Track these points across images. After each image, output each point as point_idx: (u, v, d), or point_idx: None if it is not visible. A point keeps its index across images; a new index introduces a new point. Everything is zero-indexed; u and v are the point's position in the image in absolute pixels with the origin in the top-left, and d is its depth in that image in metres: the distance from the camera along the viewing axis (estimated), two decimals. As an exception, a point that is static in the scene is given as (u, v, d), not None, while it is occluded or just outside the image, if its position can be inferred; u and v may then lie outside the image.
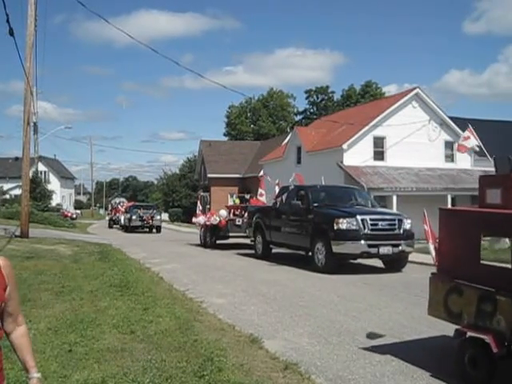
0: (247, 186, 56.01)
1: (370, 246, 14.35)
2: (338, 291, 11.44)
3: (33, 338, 6.43)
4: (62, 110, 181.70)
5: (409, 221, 15.22)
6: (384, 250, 14.43)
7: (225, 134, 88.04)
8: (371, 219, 14.73)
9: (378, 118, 33.80)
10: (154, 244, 27.27)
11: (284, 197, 17.79)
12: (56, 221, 41.12)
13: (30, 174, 26.97)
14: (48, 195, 54.12)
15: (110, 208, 60.74)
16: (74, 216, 66.68)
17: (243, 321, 8.28)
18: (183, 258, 19.15)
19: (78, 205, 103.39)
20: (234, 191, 56.87)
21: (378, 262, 15.66)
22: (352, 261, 15.58)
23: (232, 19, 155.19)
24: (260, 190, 25.10)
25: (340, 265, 14.68)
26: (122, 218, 44.63)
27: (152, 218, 41.06)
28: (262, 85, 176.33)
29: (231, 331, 7.39)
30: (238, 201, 28.71)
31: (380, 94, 76.36)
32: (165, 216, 60.68)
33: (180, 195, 68.60)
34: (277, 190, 21.48)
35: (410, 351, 6.64)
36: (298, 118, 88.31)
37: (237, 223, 22.86)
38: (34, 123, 36.21)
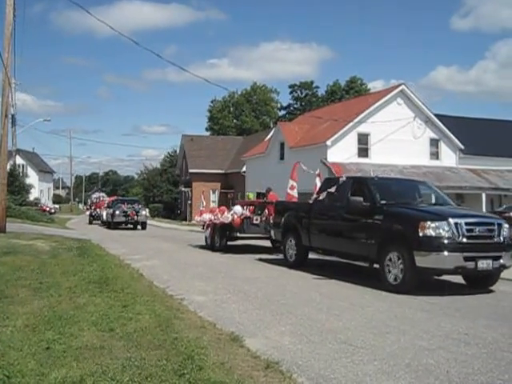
0: (229, 181, 56.06)
1: (466, 258, 10.84)
2: (320, 289, 11.40)
3: (10, 335, 6.37)
4: (41, 102, 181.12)
5: (506, 225, 11.86)
6: (483, 265, 10.96)
7: (207, 129, 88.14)
8: (466, 223, 11.17)
9: (363, 114, 33.96)
10: (135, 240, 27.09)
11: (332, 191, 13.98)
12: (34, 215, 40.72)
13: (8, 168, 26.61)
14: (26, 189, 53.68)
15: (89, 203, 60.14)
16: (53, 211, 66.31)
17: (224, 319, 8.20)
18: (162, 253, 19.06)
19: (57, 199, 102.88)
20: (216, 187, 56.89)
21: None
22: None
23: (217, 11, 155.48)
24: (291, 182, 20.24)
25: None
26: (104, 214, 42.45)
27: (137, 213, 38.61)
28: (246, 78, 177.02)
29: (212, 329, 7.30)
30: (252, 195, 24.64)
31: (365, 90, 76.76)
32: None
33: (161, 190, 68.45)
34: (317, 182, 18.28)
35: (392, 350, 6.61)
36: (282, 113, 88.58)
37: (254, 222, 19.21)
38: (12, 115, 35.86)
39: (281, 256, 16.75)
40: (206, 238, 21.99)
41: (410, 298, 10.27)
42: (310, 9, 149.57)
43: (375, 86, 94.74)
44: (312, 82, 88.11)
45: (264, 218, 18.86)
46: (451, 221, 10.97)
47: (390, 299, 10.30)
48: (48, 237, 22.42)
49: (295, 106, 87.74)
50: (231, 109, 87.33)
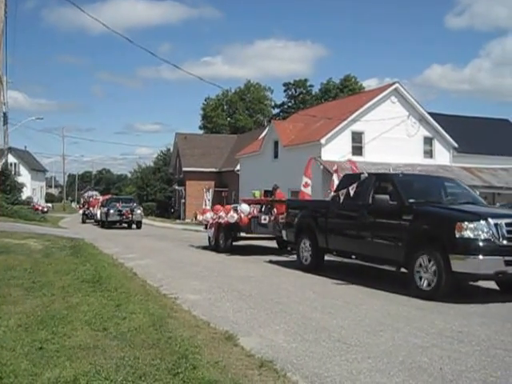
0: (223, 180, 56.05)
1: (507, 262, 9.77)
2: (314, 288, 11.42)
3: (2, 335, 6.37)
4: (33, 100, 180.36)
5: None
6: None
7: (201, 127, 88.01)
8: (507, 224, 10.04)
9: (357, 112, 34.00)
10: (128, 239, 27.05)
11: (351, 189, 12.79)
12: (26, 214, 40.65)
13: (0, 166, 26.54)
14: (18, 188, 53.66)
15: (81, 201, 59.84)
16: (45, 209, 66.04)
17: (218, 317, 8.21)
18: (156, 252, 19.04)
19: (50, 198, 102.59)
20: (210, 185, 56.71)
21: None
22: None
23: (211, 8, 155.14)
24: (305, 179, 19.13)
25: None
26: (99, 213, 41.48)
27: (132, 212, 37.58)
28: (241, 76, 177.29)
29: (206, 328, 7.30)
30: (258, 194, 22.98)
31: (359, 88, 76.79)
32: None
33: (154, 189, 68.33)
34: (335, 179, 17.57)
35: (386, 348, 6.62)
36: (276, 111, 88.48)
37: (262, 221, 18.17)
38: (4, 113, 35.64)
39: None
40: (209, 238, 20.91)
41: (404, 297, 10.29)
42: (306, 6, 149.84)
43: (370, 84, 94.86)
44: (306, 80, 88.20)
45: (272, 218, 18.18)
46: (491, 221, 9.97)
47: (383, 297, 10.32)
48: (40, 236, 22.40)
49: (289, 104, 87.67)
50: (225, 107, 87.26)
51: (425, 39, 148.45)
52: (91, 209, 46.42)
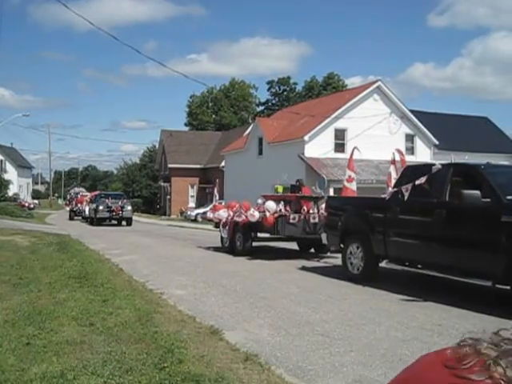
0: (208, 176, 55.99)
1: None
2: (298, 283, 11.53)
3: (-11, 330, 6.38)
4: (19, 96, 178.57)
5: None
6: None
7: (186, 124, 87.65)
8: None
9: (340, 110, 34.15)
10: (114, 235, 26.99)
11: (421, 183, 10.27)
12: (13, 211, 40.40)
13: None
14: (4, 185, 53.24)
15: (67, 198, 59.43)
16: (32, 206, 65.52)
17: (204, 312, 8.29)
18: (142, 248, 19.04)
19: (36, 194, 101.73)
20: (195, 182, 56.84)
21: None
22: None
23: (197, 6, 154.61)
24: (348, 173, 16.53)
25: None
26: (87, 209, 39.77)
27: (122, 208, 35.96)
28: (226, 74, 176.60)
29: (192, 323, 7.38)
30: (281, 189, 20.42)
31: (342, 86, 76.93)
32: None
33: (140, 185, 68.21)
34: (392, 171, 15.39)
35: (368, 341, 6.74)
36: (260, 108, 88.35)
37: (291, 221, 15.88)
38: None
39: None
40: (222, 238, 18.56)
41: (385, 291, 10.40)
42: (291, 4, 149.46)
43: (354, 81, 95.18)
44: (289, 78, 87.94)
45: (302, 217, 16.07)
46: None
47: (365, 292, 10.43)
48: (27, 232, 22.35)
49: (273, 101, 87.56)
50: (210, 104, 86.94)
51: (407, 38, 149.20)
52: (79, 205, 45.30)
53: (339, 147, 34.31)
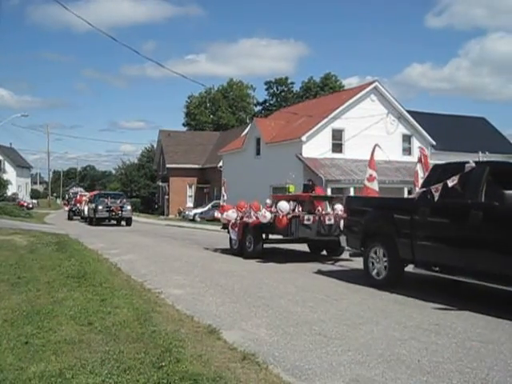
0: (206, 176, 56.06)
1: None
2: (296, 282, 11.54)
3: (-12, 330, 6.40)
4: (19, 97, 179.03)
5: None
6: None
7: (184, 125, 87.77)
8: None
9: (337, 110, 34.22)
10: (113, 235, 26.98)
11: (451, 182, 9.64)
12: (12, 210, 40.49)
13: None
14: (3, 185, 53.30)
15: (66, 197, 59.37)
16: (31, 206, 65.64)
17: (201, 312, 8.30)
18: (140, 248, 19.05)
19: (35, 194, 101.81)
20: (193, 182, 56.86)
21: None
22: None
23: (196, 7, 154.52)
24: (369, 171, 15.69)
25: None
26: (86, 209, 39.53)
27: (121, 208, 35.60)
28: (224, 74, 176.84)
29: (189, 322, 7.40)
30: (293, 189, 19.60)
31: (339, 87, 77.17)
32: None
33: (138, 185, 68.28)
34: (419, 169, 14.62)
35: (366, 341, 6.76)
36: (258, 109, 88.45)
37: (305, 222, 15.08)
38: (-11, 111, 35.56)
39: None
40: (231, 240, 17.69)
41: (383, 291, 10.42)
42: (289, 5, 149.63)
43: (351, 81, 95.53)
44: (287, 79, 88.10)
45: (317, 218, 15.25)
46: None
47: (363, 291, 10.44)
48: (26, 232, 22.38)
49: (271, 102, 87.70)
50: (208, 104, 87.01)
51: (405, 39, 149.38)
52: (78, 205, 45.02)
53: (337, 147, 34.38)
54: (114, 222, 36.56)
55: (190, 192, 57.22)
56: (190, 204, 55.38)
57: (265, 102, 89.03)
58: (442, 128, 38.64)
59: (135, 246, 19.82)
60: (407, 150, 36.62)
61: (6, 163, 78.78)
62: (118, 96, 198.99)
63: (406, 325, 7.62)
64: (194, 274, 12.74)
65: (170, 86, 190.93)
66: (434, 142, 36.77)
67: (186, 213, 48.98)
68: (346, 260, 15.35)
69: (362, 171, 31.61)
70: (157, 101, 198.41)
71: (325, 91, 74.08)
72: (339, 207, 15.50)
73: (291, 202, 15.71)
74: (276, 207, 15.71)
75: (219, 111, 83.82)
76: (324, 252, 17.21)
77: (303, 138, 33.16)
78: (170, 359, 5.44)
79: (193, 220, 45.15)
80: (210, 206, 47.67)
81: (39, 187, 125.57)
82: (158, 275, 12.34)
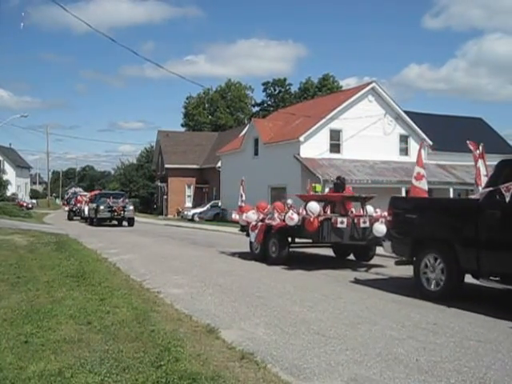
0: (205, 176, 56.10)
1: None
2: (294, 282, 11.56)
3: (-12, 329, 6.41)
4: (18, 97, 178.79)
5: None
6: None
7: (182, 125, 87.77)
8: None
9: (335, 111, 34.25)
10: (112, 234, 26.95)
11: None
12: (11, 210, 40.51)
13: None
14: (3, 185, 53.30)
15: (65, 197, 59.25)
16: (30, 206, 65.62)
17: (200, 311, 8.32)
18: (139, 247, 19.05)
19: (34, 194, 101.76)
20: (192, 182, 56.89)
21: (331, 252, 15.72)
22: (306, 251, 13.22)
23: (195, 8, 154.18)
24: (417, 170, 13.56)
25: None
26: (86, 209, 38.40)
27: (124, 208, 34.45)
28: (223, 75, 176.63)
29: (188, 321, 7.42)
30: (320, 188, 17.80)
31: (337, 87, 77.26)
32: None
33: (137, 185, 68.27)
34: (481, 166, 12.70)
35: (364, 340, 6.78)
36: (256, 109, 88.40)
37: (339, 225, 13.35)
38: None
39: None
40: (251, 244, 16.15)
41: (380, 291, 10.45)
42: (287, 6, 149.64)
43: (349, 82, 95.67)
44: (285, 79, 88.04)
45: (350, 221, 13.65)
46: None
47: (361, 291, 10.48)
48: (25, 231, 22.41)
49: (269, 102, 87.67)
50: (206, 105, 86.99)
51: (403, 39, 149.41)
52: (78, 205, 44.29)
53: (334, 148, 34.42)
54: (115, 223, 35.53)
55: (189, 192, 57.24)
56: (188, 204, 55.39)
57: (263, 102, 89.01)
58: (439, 128, 38.67)
59: (134, 246, 19.82)
60: (404, 151, 36.68)
61: (6, 163, 78.89)
62: (117, 97, 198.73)
63: (404, 324, 7.65)
64: (192, 273, 12.76)
65: (169, 86, 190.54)
66: (430, 142, 36.80)
67: (185, 213, 49.02)
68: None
69: (360, 171, 31.75)
70: (156, 101, 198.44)
71: (323, 92, 74.11)
72: (370, 209, 14.79)
73: (322, 203, 14.64)
74: (305, 208, 14.20)
75: (217, 112, 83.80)
76: (351, 256, 16.03)
77: (301, 139, 33.18)
78: (168, 358, 5.46)
79: (191, 220, 45.20)
80: (208, 206, 47.72)
81: (38, 187, 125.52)
82: (156, 275, 12.36)
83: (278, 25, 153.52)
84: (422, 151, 14.11)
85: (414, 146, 36.56)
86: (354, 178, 30.63)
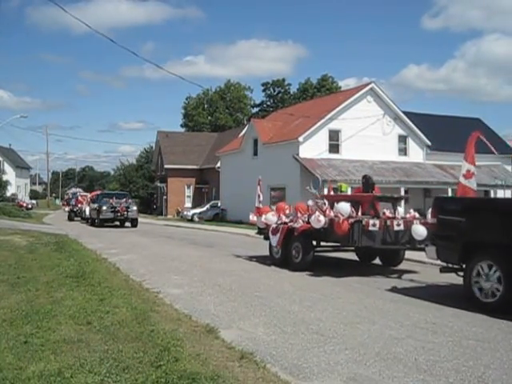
0: (204, 177, 56.10)
1: None
2: (293, 282, 11.58)
3: (-12, 329, 6.42)
4: (18, 98, 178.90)
5: None
6: None
7: (182, 126, 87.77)
8: None
9: (334, 111, 34.26)
10: (111, 235, 26.95)
11: None
12: (11, 211, 40.44)
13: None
14: (3, 185, 53.25)
15: (65, 198, 59.09)
16: (30, 206, 65.55)
17: (199, 311, 8.34)
18: (138, 248, 19.05)
19: (34, 195, 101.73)
20: (191, 182, 56.89)
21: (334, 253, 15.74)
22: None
23: (195, 9, 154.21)
24: (466, 166, 12.23)
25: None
26: (87, 210, 37.63)
27: (127, 209, 33.39)
28: (222, 76, 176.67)
29: (188, 321, 7.43)
30: (345, 187, 16.89)
31: (335, 88, 77.23)
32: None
33: (137, 186, 68.19)
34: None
35: (363, 340, 6.80)
36: (255, 110, 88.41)
37: (371, 228, 12.25)
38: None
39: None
40: (271, 248, 15.11)
41: (379, 290, 10.46)
42: (287, 7, 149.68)
43: (349, 83, 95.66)
44: (284, 80, 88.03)
45: (383, 223, 12.57)
46: None
47: (359, 291, 10.49)
48: (25, 232, 22.40)
49: (268, 103, 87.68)
50: (205, 106, 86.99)
51: (402, 40, 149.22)
52: (79, 205, 43.47)
53: (333, 148, 34.43)
54: (117, 223, 34.50)
55: (189, 192, 57.22)
56: (188, 204, 55.36)
57: (262, 103, 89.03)
58: (438, 129, 38.68)
59: (134, 246, 19.82)
60: (403, 151, 36.72)
61: (6, 164, 78.97)
62: (116, 97, 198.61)
63: (403, 324, 7.67)
64: (192, 273, 12.77)
65: (169, 87, 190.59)
66: (429, 143, 36.86)
67: (185, 213, 49.00)
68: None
69: (359, 171, 31.70)
70: (155, 102, 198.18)
71: (322, 92, 74.08)
72: (401, 210, 13.82)
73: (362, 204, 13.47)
74: (334, 209, 13.01)
75: (217, 112, 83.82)
76: (377, 260, 15.21)
77: (300, 139, 33.18)
78: (168, 358, 5.47)
79: (191, 220, 45.19)
80: (208, 206, 47.70)
81: (38, 188, 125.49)
82: (156, 275, 12.36)
83: (278, 25, 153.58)
84: (479, 137, 12.90)
85: (412, 146, 36.63)
86: (353, 178, 30.61)
